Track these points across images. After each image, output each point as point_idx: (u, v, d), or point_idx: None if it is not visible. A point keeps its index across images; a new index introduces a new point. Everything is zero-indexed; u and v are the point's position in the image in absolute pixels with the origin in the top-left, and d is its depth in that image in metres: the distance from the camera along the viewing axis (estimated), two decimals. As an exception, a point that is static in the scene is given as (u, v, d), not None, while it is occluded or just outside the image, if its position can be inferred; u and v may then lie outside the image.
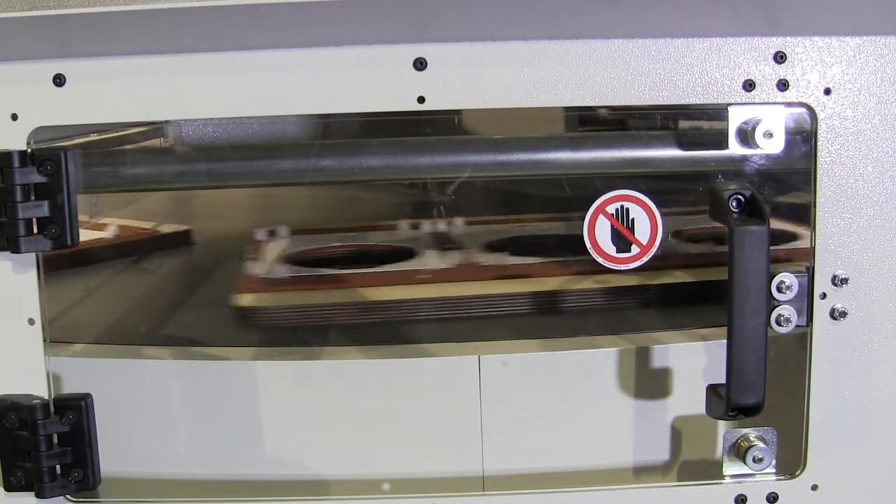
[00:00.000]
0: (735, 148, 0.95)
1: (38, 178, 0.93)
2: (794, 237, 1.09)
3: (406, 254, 1.50)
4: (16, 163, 0.93)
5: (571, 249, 1.45)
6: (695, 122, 1.17)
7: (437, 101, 0.95)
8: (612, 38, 0.94)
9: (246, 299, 1.31)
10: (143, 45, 0.94)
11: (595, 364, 1.08)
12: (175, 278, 1.37)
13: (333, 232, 1.70)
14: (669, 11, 0.92)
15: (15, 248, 0.94)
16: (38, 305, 0.97)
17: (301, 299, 1.31)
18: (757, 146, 0.94)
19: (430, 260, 1.42)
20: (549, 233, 1.64)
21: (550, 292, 1.30)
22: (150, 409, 1.10)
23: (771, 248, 0.91)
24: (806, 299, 0.96)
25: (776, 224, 0.94)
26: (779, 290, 0.95)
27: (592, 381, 1.08)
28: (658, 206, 1.01)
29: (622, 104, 0.96)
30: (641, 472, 1.09)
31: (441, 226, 1.69)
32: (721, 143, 0.96)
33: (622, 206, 1.01)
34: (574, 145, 1.13)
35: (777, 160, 0.98)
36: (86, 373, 1.08)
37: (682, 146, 1.07)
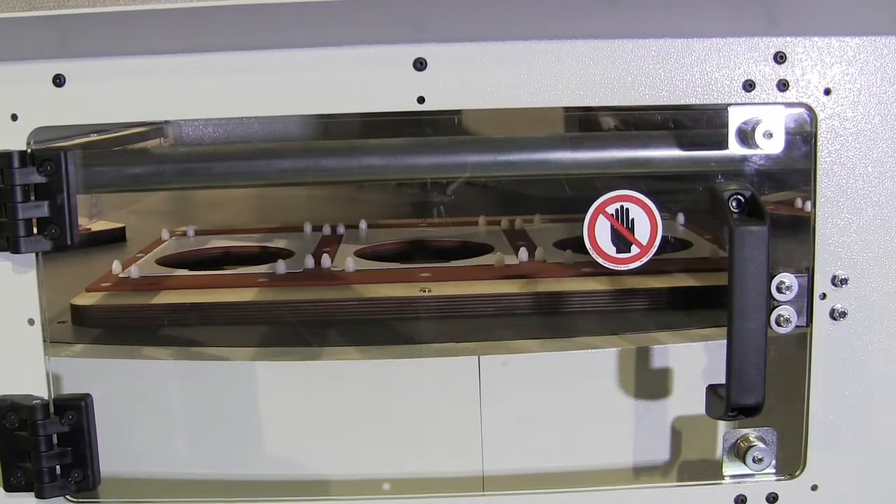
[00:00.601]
0: (735, 148, 0.95)
1: (38, 179, 0.93)
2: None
3: (277, 255, 1.51)
4: (16, 163, 0.93)
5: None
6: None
7: (437, 101, 0.95)
8: (612, 38, 0.94)
9: (81, 298, 1.30)
10: (143, 45, 0.94)
11: (595, 364, 1.08)
12: (61, 272, 1.36)
13: (250, 232, 1.70)
14: (669, 11, 0.92)
15: (15, 249, 0.94)
16: (38, 305, 0.97)
17: (133, 300, 1.31)
18: (757, 146, 0.94)
19: (287, 265, 1.42)
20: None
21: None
22: (150, 409, 1.10)
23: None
24: (806, 299, 0.96)
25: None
26: (779, 290, 0.95)
27: (592, 381, 1.08)
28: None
29: (622, 104, 0.96)
30: (641, 472, 1.09)
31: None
32: (721, 143, 0.96)
33: (622, 207, 1.01)
34: (574, 145, 1.13)
35: (777, 160, 0.98)
36: (86, 373, 1.08)
37: (682, 146, 1.07)
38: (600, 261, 1.01)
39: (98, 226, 1.84)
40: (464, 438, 1.08)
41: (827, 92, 0.95)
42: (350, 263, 1.39)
